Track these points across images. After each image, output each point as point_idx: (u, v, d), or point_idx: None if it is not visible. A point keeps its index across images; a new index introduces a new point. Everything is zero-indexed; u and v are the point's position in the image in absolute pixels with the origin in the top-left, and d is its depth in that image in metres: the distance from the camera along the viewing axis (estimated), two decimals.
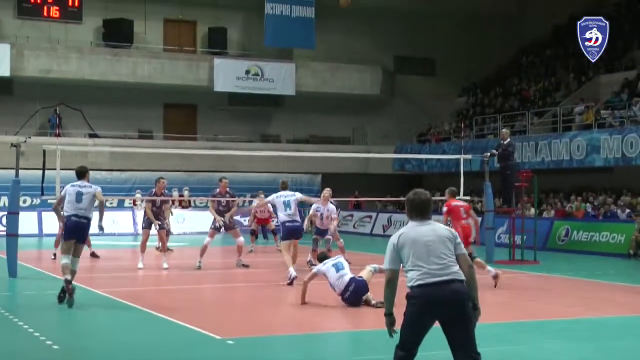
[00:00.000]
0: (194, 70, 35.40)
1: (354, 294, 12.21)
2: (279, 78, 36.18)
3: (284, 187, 16.16)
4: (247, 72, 35.77)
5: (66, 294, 12.08)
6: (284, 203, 15.59)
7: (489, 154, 21.03)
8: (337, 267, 12.51)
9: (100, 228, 12.54)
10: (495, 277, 14.58)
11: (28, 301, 13.39)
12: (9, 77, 32.50)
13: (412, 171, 35.99)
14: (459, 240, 6.18)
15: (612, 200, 25.70)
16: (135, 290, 14.71)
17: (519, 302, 13.32)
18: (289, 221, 15.47)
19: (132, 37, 35.48)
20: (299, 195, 15.93)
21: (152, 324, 10.88)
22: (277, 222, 18.87)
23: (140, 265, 17.88)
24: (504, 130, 22.57)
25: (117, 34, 35.06)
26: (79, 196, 12.74)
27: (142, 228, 18.47)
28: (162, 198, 18.22)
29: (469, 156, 22.41)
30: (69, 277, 12.12)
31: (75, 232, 12.57)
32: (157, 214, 18.02)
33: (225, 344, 9.29)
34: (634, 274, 18.82)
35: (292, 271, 14.98)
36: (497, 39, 39.34)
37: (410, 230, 6.15)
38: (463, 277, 6.00)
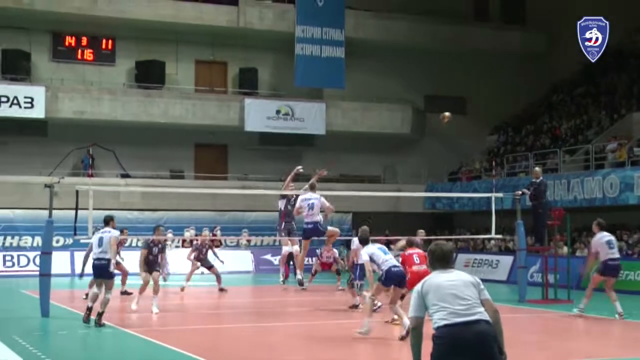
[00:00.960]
0: (225, 111, 35.65)
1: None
2: (310, 117, 36.34)
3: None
4: (278, 112, 35.98)
5: (89, 316, 14.42)
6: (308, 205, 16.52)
7: (520, 192, 20.94)
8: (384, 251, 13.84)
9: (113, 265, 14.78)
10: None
11: (60, 341, 13.45)
12: (43, 119, 32.96)
13: (443, 209, 35.83)
14: (482, 286, 6.25)
15: None
16: (168, 330, 14.70)
17: (552, 342, 13.14)
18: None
19: (164, 78, 35.88)
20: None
21: None
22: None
23: (134, 306, 17.56)
24: (536, 168, 22.46)
25: (150, 75, 35.50)
26: (100, 241, 14.92)
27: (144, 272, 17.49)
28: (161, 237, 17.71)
29: (500, 194, 22.30)
30: (90, 304, 14.53)
31: (97, 272, 14.97)
32: (153, 261, 17.37)
33: None
34: None
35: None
36: (527, 77, 39.31)
37: (434, 277, 6.26)
38: (489, 318, 6.02)
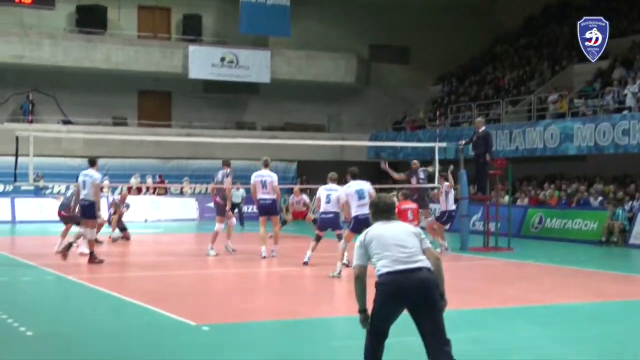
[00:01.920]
0: (168, 57, 35.17)
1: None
2: (254, 65, 36.04)
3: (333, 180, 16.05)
4: (222, 59, 35.60)
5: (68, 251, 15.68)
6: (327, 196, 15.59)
7: (463, 142, 21.14)
8: (359, 195, 14.20)
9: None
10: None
11: (1, 287, 13.27)
12: None
13: (387, 159, 35.95)
14: (423, 235, 6.35)
15: (585, 188, 25.89)
16: (110, 277, 14.62)
17: (493, 289, 13.39)
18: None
19: (106, 23, 35.15)
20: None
21: (126, 311, 10.82)
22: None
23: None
24: (477, 119, 22.69)
25: (91, 20, 34.72)
26: (82, 184, 15.97)
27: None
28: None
29: (443, 144, 22.44)
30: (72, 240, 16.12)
31: (82, 211, 16.15)
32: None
33: (201, 330, 9.26)
34: (606, 261, 18.99)
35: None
36: (471, 28, 39.40)
37: (377, 227, 6.35)
38: (430, 266, 6.11)
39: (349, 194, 14.64)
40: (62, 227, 18.17)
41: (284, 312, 10.92)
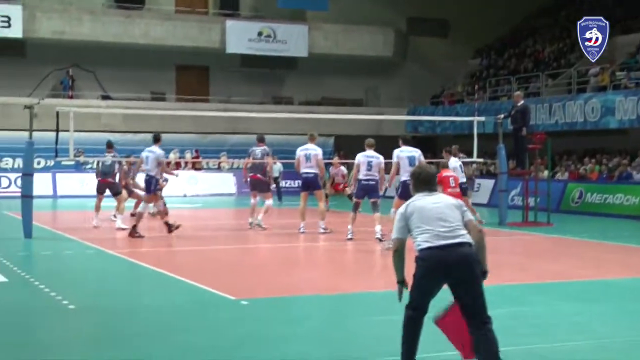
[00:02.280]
0: (206, 32, 35.24)
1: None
2: (292, 40, 35.97)
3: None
4: (260, 33, 35.59)
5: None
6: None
7: (502, 116, 20.95)
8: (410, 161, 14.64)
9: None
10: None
11: (44, 261, 13.48)
12: (21, 38, 32.43)
13: (425, 133, 35.85)
14: (465, 207, 6.24)
15: (627, 162, 25.56)
16: (149, 252, 14.77)
17: (532, 264, 13.31)
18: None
19: None
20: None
21: (167, 285, 10.92)
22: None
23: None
24: (516, 92, 22.45)
25: None
26: (146, 159, 16.72)
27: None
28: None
29: (482, 118, 22.30)
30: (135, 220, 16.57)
31: (145, 187, 16.94)
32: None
33: (240, 304, 9.32)
34: None
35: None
36: (511, 0, 38.90)
37: (419, 199, 6.23)
38: (471, 241, 6.04)
39: (400, 158, 14.84)
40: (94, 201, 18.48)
41: (322, 286, 10.95)
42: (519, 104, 20.47)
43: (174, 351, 7.20)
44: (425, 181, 6.32)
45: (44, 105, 18.58)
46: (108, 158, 18.50)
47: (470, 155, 20.66)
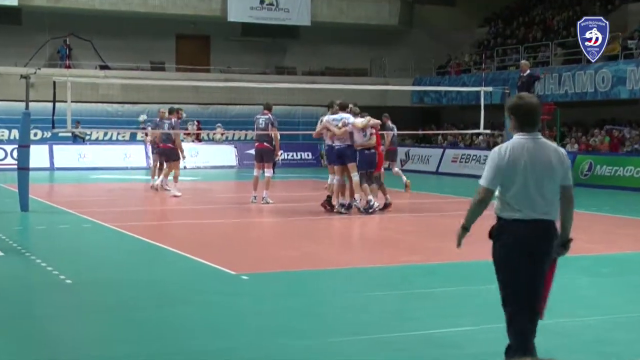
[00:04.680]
0: (207, 0, 34.98)
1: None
2: (294, 8, 35.72)
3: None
4: (262, 1, 35.31)
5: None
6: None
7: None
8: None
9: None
10: (388, 205, 16.17)
11: (40, 235, 13.46)
12: (17, 6, 32.21)
13: (431, 104, 35.73)
14: (567, 164, 5.46)
15: (638, 133, 25.42)
16: (148, 225, 14.75)
17: None
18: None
19: None
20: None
21: (165, 259, 10.91)
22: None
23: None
24: (522, 62, 22.29)
25: None
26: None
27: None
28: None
29: (489, 88, 22.15)
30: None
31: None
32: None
33: (240, 279, 9.30)
34: None
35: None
36: None
37: (522, 147, 5.31)
38: (556, 218, 5.42)
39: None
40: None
41: (323, 261, 10.93)
42: (525, 74, 20.36)
43: (171, 324, 7.19)
44: (529, 115, 5.40)
45: (40, 75, 18.51)
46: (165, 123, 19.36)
47: (477, 126, 20.55)
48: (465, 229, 5.50)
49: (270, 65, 37.15)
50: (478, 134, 29.21)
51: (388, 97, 34.26)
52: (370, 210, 15.54)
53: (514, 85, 21.25)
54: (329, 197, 16.04)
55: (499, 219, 5.37)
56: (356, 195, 15.64)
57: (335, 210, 15.85)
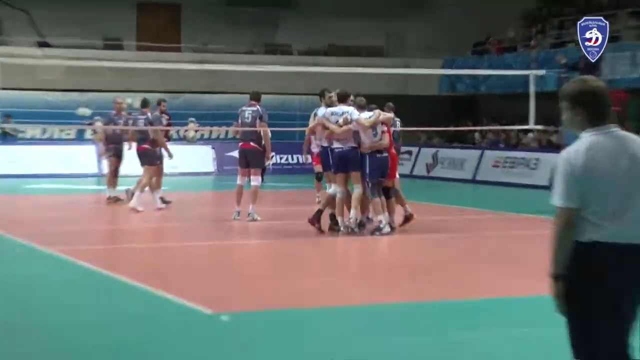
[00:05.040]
0: None
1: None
2: None
3: None
4: None
5: None
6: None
7: (564, 61, 20.86)
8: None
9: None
10: (409, 217, 16.11)
11: None
12: None
13: (465, 92, 35.79)
14: None
15: None
16: (99, 250, 14.69)
17: None
18: None
19: None
20: None
21: (119, 295, 10.83)
22: None
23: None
24: None
25: None
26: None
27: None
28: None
29: (541, 71, 22.16)
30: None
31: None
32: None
33: (218, 320, 9.24)
34: None
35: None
36: None
37: (598, 148, 5.06)
38: None
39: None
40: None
41: (329, 296, 10.87)
42: None
43: None
44: (599, 100, 5.29)
45: None
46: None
47: (525, 121, 20.49)
48: (557, 278, 5.03)
49: (258, 43, 37.21)
50: (526, 131, 29.14)
51: (409, 83, 34.30)
52: (378, 234, 15.30)
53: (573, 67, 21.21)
54: (319, 212, 15.86)
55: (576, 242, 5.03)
56: (352, 212, 15.38)
57: (340, 230, 15.63)
